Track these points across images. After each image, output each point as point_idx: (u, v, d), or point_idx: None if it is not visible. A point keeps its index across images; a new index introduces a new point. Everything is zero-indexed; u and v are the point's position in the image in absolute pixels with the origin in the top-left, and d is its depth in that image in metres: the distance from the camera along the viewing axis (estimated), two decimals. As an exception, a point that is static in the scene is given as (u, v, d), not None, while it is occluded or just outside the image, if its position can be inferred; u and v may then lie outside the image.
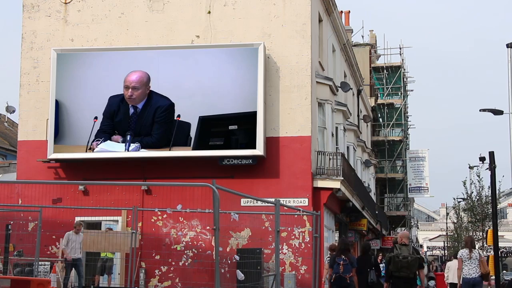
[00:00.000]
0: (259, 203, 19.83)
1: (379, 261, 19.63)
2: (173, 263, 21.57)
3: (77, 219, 22.26)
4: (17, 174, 23.40)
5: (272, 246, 18.49)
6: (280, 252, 14.10)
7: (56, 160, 22.46)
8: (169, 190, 20.45)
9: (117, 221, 22.20)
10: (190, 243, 21.80)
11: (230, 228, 20.61)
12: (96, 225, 22.09)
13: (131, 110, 22.08)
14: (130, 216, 21.38)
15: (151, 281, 21.64)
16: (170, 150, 21.70)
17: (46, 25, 23.49)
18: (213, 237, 11.20)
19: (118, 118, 22.09)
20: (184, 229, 21.85)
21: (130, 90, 21.99)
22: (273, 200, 13.82)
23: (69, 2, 23.52)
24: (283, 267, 20.64)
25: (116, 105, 22.10)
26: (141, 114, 21.95)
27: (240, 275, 15.84)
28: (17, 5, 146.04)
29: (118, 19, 23.23)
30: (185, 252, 21.78)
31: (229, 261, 19.77)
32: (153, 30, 22.96)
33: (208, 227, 21.45)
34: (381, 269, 17.16)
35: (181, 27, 22.88)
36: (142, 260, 21.37)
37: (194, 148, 21.62)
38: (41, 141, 22.67)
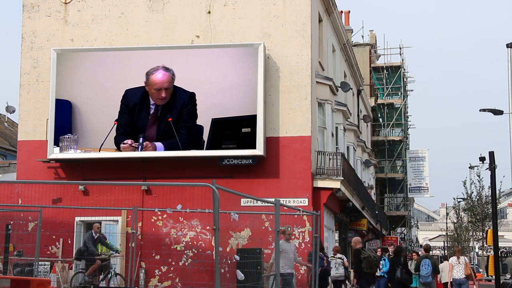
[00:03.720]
0: (259, 203, 19.82)
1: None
2: (173, 263, 21.56)
3: (77, 219, 22.31)
4: (17, 174, 23.39)
5: (272, 246, 18.48)
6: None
7: (56, 160, 22.46)
8: (169, 190, 20.44)
9: (117, 221, 22.19)
10: (190, 243, 21.79)
11: (230, 228, 20.60)
12: (96, 225, 22.05)
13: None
14: (130, 216, 21.38)
15: (151, 281, 21.64)
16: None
17: (46, 25, 23.48)
18: (213, 237, 11.20)
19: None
20: (184, 229, 21.85)
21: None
22: (273, 200, 13.82)
23: (69, 2, 23.52)
24: (283, 267, 20.60)
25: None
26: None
27: (240, 275, 15.84)
28: (17, 5, 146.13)
29: (118, 19, 23.23)
30: (185, 252, 21.78)
31: (229, 261, 19.73)
32: (153, 30, 22.96)
33: (208, 227, 21.44)
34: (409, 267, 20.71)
35: (181, 27, 22.88)
36: (142, 260, 21.37)
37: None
38: (41, 141, 22.67)
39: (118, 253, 20.03)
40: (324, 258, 17.88)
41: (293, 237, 21.18)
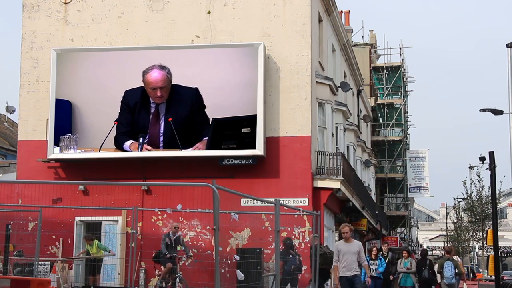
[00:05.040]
0: (259, 203, 19.81)
1: (374, 257, 20.88)
2: (173, 263, 21.54)
3: (77, 219, 22.30)
4: (17, 174, 23.39)
5: (272, 246, 18.49)
6: (280, 252, 14.19)
7: (56, 160, 22.46)
8: (169, 190, 20.44)
9: (117, 221, 22.19)
10: (190, 243, 21.79)
11: (230, 228, 20.60)
12: (96, 225, 22.07)
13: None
14: (130, 216, 21.38)
15: (151, 281, 21.63)
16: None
17: (46, 25, 23.49)
18: (213, 237, 11.20)
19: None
20: (184, 229, 21.85)
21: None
22: (273, 200, 13.82)
23: (69, 2, 23.53)
24: (283, 267, 20.61)
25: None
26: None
27: (240, 275, 15.81)
28: (17, 5, 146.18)
29: (118, 19, 23.23)
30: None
31: (229, 261, 19.75)
32: (153, 30, 22.96)
33: (208, 227, 21.45)
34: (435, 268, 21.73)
35: (181, 27, 22.88)
36: (142, 260, 21.37)
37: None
38: (41, 141, 22.67)
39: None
40: (296, 257, 18.23)
41: (289, 236, 21.21)
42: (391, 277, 21.40)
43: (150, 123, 21.78)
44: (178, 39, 22.72)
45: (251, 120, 21.37)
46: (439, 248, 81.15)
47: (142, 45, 22.71)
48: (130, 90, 21.96)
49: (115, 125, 21.79)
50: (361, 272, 14.37)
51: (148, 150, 21.69)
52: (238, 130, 21.56)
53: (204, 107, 21.67)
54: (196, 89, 21.71)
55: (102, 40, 23.14)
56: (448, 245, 32.61)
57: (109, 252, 19.88)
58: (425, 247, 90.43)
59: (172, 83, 21.83)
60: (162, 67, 21.76)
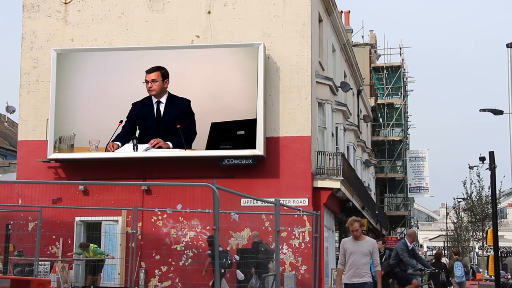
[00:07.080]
0: (259, 203, 19.82)
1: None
2: (173, 263, 21.56)
3: (77, 219, 22.30)
4: (17, 174, 23.39)
5: (272, 246, 18.50)
6: (280, 252, 14.21)
7: (56, 160, 22.46)
8: (169, 190, 20.44)
9: (117, 221, 22.19)
10: (190, 243, 21.79)
11: (230, 228, 20.61)
12: (96, 225, 22.08)
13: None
14: (130, 216, 21.38)
15: (151, 281, 21.64)
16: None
17: (46, 25, 23.49)
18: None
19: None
20: (184, 229, 21.85)
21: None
22: (273, 200, 13.83)
23: (69, 2, 23.52)
24: (283, 267, 20.64)
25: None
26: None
27: (240, 275, 15.85)
28: (17, 5, 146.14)
29: (118, 19, 23.23)
30: (185, 252, 21.78)
31: (229, 261, 19.76)
32: (153, 30, 22.96)
33: (208, 227, 21.44)
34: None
35: (181, 27, 22.88)
36: (142, 260, 21.38)
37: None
38: (41, 141, 22.67)
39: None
40: (228, 252, 18.44)
41: (289, 236, 21.19)
42: (390, 280, 21.22)
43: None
44: (178, 39, 22.72)
45: (246, 123, 21.38)
46: (439, 248, 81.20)
47: (142, 45, 22.71)
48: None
49: (119, 126, 21.73)
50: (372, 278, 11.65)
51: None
52: (234, 132, 21.56)
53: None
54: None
55: (102, 40, 23.14)
56: (438, 249, 33.47)
57: (107, 256, 19.88)
58: (425, 247, 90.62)
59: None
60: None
